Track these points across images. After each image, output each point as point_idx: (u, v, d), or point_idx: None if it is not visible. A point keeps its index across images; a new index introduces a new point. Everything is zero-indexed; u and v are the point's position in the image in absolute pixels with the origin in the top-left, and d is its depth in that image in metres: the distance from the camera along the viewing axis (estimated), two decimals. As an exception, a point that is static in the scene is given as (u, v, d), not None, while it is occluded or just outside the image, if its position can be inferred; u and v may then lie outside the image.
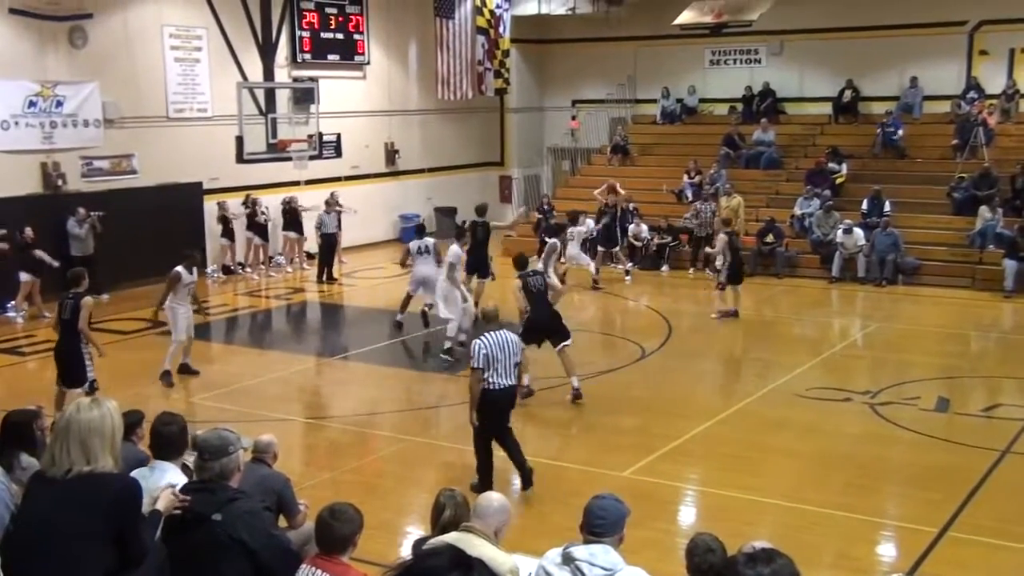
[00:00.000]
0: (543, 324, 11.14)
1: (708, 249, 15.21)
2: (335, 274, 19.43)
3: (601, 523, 4.33)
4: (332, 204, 19.76)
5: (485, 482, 8.37)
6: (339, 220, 19.81)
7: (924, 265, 18.34)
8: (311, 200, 20.31)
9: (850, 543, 7.83)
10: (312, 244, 20.56)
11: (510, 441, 8.60)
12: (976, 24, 21.69)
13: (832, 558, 7.56)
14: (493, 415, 8.44)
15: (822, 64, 23.35)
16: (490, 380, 8.32)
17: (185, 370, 12.54)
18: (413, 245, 14.61)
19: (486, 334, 8.47)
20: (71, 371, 10.24)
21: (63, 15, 17.27)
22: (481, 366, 8.27)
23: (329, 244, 19.42)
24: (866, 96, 22.81)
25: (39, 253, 15.63)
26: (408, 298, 14.89)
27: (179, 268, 12.20)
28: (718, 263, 15.52)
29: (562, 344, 11.15)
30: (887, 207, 19.12)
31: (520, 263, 11.74)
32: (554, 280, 13.82)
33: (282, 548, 4.48)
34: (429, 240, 14.97)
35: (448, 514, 4.84)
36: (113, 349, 14.19)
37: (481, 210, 16.43)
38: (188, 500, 4.28)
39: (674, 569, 5.86)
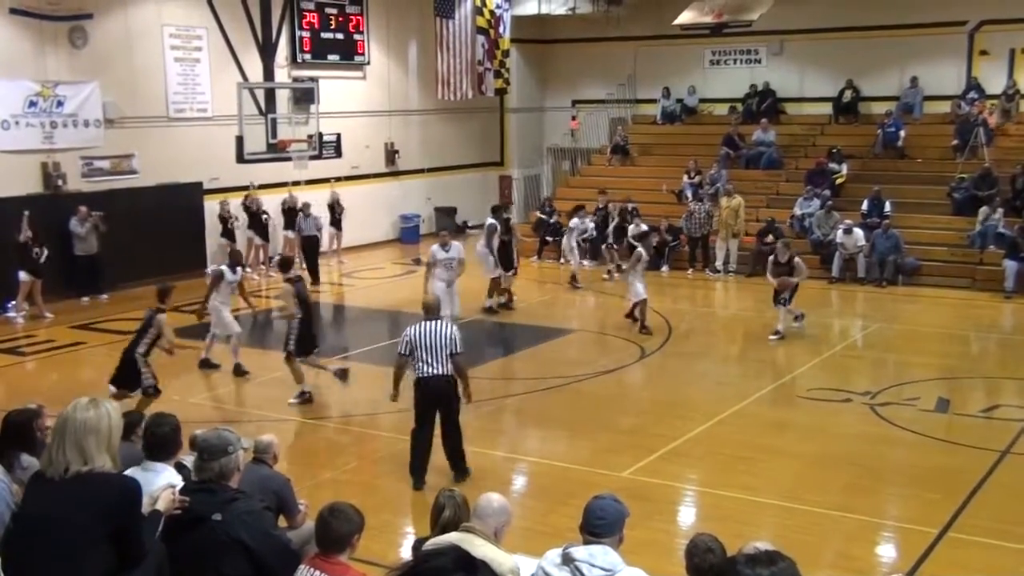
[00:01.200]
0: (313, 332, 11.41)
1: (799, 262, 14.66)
2: (322, 277, 19.30)
3: (600, 523, 4.32)
4: (307, 208, 19.36)
5: (413, 468, 8.75)
6: (331, 220, 19.64)
7: (924, 265, 18.34)
8: (315, 199, 20.26)
9: (850, 543, 7.84)
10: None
11: (451, 431, 8.86)
12: (976, 24, 21.69)
13: (832, 558, 7.57)
14: (424, 401, 8.76)
15: (822, 64, 23.35)
16: (419, 367, 8.66)
17: (207, 364, 12.79)
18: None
19: (418, 323, 8.81)
20: (124, 376, 10.45)
21: (63, 15, 17.27)
22: (402, 352, 8.73)
23: (309, 247, 19.09)
24: (866, 96, 22.81)
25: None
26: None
27: (222, 267, 12.29)
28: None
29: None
30: (887, 208, 19.12)
31: (284, 266, 11.90)
32: (638, 286, 14.44)
33: (282, 548, 4.48)
34: (488, 220, 16.36)
35: (447, 514, 4.84)
36: (112, 349, 14.18)
37: (501, 207, 17.85)
38: (187, 500, 4.27)
39: (674, 570, 5.86)
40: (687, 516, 8.65)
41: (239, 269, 12.55)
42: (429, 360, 8.60)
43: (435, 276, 13.95)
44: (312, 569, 4.24)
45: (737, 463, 9.52)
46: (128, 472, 4.71)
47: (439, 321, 8.83)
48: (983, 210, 18.38)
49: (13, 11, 16.61)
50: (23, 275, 15.61)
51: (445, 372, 8.65)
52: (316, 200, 20.34)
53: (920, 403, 11.18)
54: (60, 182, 17.36)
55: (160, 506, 4.20)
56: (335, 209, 20.91)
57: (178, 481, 4.66)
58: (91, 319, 15.84)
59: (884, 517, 8.43)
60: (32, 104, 16.93)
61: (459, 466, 8.89)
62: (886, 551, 7.96)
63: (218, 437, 4.50)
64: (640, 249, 15.12)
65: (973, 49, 21.97)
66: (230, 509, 4.29)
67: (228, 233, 19.48)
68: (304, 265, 20.43)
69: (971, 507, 8.38)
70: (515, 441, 10.70)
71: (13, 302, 15.89)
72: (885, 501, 8.83)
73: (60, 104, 17.27)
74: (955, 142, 20.54)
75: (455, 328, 8.86)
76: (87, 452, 3.82)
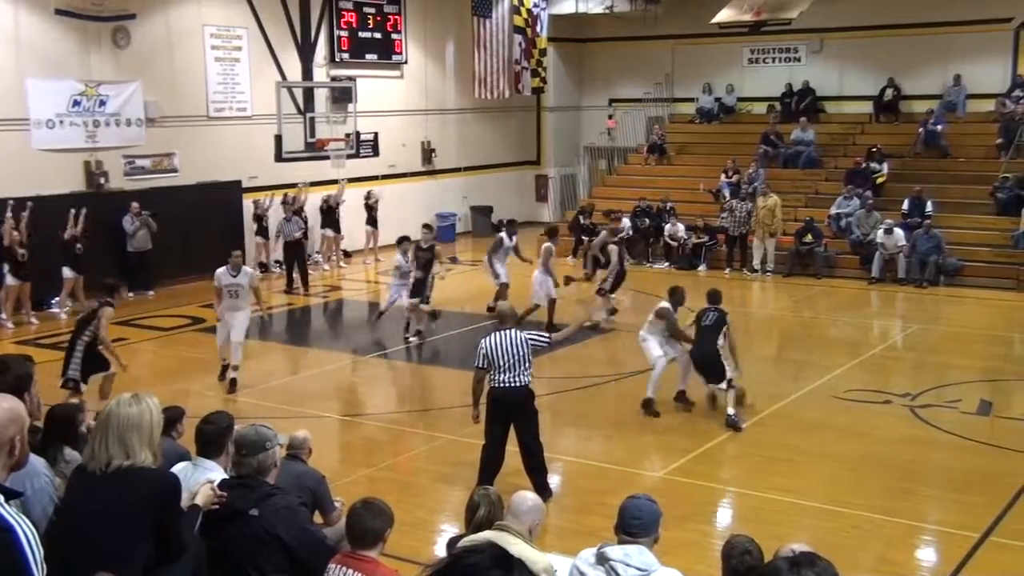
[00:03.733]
0: (699, 360, 10.65)
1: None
2: (359, 275, 19.35)
3: (636, 523, 4.30)
4: (289, 208, 18.90)
5: (481, 478, 8.08)
6: (367, 219, 19.64)
7: (967, 266, 18.07)
8: (348, 199, 20.45)
9: (889, 547, 7.73)
10: (350, 243, 20.71)
11: (530, 446, 8.44)
12: (1022, 21, 21.32)
13: (871, 562, 7.47)
14: (497, 413, 8.39)
15: (863, 62, 23.07)
16: (494, 378, 8.34)
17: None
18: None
19: (492, 333, 8.44)
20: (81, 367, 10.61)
21: (107, 16, 17.53)
22: (480, 365, 8.35)
23: (292, 252, 18.50)
24: (908, 95, 22.51)
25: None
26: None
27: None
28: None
29: (716, 386, 10.61)
30: (929, 207, 18.86)
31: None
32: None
33: (318, 543, 4.50)
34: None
35: (482, 512, 4.84)
36: (154, 345, 14.43)
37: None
38: (225, 496, 4.31)
39: (709, 571, 5.83)
40: (723, 517, 8.58)
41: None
42: (505, 370, 8.22)
43: (219, 305, 12.18)
44: (343, 567, 4.23)
45: (774, 464, 9.44)
46: (179, 467, 4.77)
47: (514, 330, 8.41)
48: (1028, 210, 18.08)
49: (58, 12, 16.89)
50: (67, 271, 15.88)
51: (521, 383, 8.29)
52: (350, 199, 20.52)
53: (962, 405, 11.02)
54: (102, 180, 17.64)
55: (199, 501, 4.24)
56: (371, 208, 21.04)
57: (223, 477, 4.69)
58: (134, 315, 16.06)
59: (924, 521, 8.32)
60: (76, 103, 17.20)
61: (541, 483, 8.29)
62: (926, 555, 7.85)
63: (256, 433, 4.53)
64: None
65: (1018, 46, 21.58)
66: (267, 504, 4.32)
67: (262, 231, 19.66)
68: (340, 261, 20.63)
69: (1014, 511, 8.24)
70: (550, 440, 10.62)
71: (57, 298, 16.17)
72: (925, 504, 8.70)
73: (103, 103, 17.54)
74: (999, 141, 20.22)
75: (528, 337, 8.42)
76: (129, 447, 3.87)
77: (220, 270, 12.06)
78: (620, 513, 4.35)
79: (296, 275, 18.32)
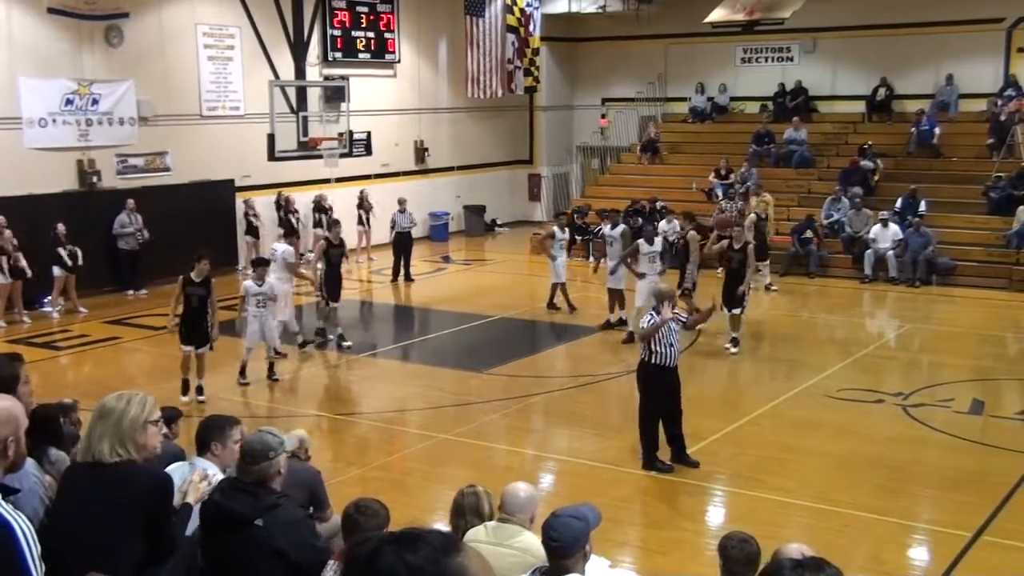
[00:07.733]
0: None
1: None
2: (352, 274, 19.31)
3: (555, 544, 3.99)
4: (403, 203, 19.13)
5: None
6: (359, 219, 19.62)
7: (960, 266, 18.11)
8: (341, 199, 20.43)
9: (882, 546, 7.75)
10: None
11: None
12: (1014, 21, 21.39)
13: (863, 561, 7.49)
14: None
15: (856, 62, 23.12)
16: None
17: None
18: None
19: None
20: None
21: (100, 14, 17.47)
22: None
23: (401, 243, 18.88)
24: (900, 94, 22.55)
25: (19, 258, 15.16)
26: None
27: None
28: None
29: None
30: (922, 207, 18.90)
31: None
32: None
33: (320, 554, 4.42)
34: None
35: (454, 505, 5.04)
36: (146, 344, 14.39)
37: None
38: (211, 485, 4.25)
39: (701, 570, 5.84)
40: (715, 516, 8.58)
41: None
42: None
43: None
44: (340, 564, 4.22)
45: (767, 463, 9.45)
46: (174, 467, 4.74)
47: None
48: (1021, 209, 18.11)
49: (51, 10, 16.82)
50: (56, 270, 15.84)
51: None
52: (343, 198, 20.51)
53: (954, 405, 11.05)
54: (95, 179, 17.58)
55: (190, 499, 4.22)
56: (363, 207, 21.03)
57: (219, 477, 4.66)
58: (126, 314, 16.03)
59: (916, 520, 8.34)
60: (69, 102, 17.14)
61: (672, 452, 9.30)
62: (918, 554, 7.87)
63: (260, 441, 4.28)
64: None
65: (1011, 46, 21.64)
66: (273, 516, 4.17)
67: (252, 231, 19.62)
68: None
69: (1006, 510, 8.27)
70: (544, 439, 10.69)
71: (49, 297, 16.12)
72: (917, 503, 8.73)
73: (96, 102, 17.48)
74: (991, 140, 20.27)
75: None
76: (119, 445, 3.87)
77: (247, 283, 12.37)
78: (542, 530, 4.07)
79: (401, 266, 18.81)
